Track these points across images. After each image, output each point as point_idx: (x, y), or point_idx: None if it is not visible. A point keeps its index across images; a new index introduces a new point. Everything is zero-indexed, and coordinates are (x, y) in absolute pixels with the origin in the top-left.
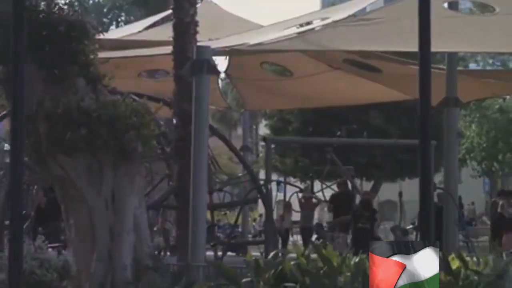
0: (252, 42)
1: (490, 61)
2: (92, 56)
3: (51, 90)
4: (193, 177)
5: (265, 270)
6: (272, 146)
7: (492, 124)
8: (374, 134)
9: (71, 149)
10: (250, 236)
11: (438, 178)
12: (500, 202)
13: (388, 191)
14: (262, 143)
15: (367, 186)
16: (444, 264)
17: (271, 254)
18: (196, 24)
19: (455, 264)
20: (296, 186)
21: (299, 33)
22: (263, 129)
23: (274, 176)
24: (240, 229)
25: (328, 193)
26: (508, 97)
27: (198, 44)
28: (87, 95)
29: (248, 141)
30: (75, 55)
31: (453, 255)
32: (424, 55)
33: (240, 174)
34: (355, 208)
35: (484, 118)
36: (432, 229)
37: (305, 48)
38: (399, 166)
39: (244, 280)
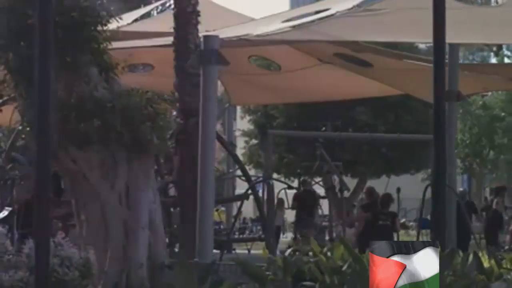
0: (255, 33)
1: (470, 57)
2: (105, 44)
3: (63, 79)
4: (201, 170)
5: (288, 269)
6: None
7: (475, 121)
8: (360, 130)
9: (83, 141)
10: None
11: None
12: (495, 200)
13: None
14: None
15: (351, 182)
16: (476, 263)
17: (288, 251)
18: (197, 14)
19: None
20: (284, 183)
21: (301, 24)
22: (247, 125)
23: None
24: (221, 226)
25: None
26: (490, 93)
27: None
28: (100, 84)
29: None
30: (88, 42)
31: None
32: (439, 47)
33: (231, 170)
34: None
35: (468, 115)
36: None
37: (315, 38)
38: (385, 162)
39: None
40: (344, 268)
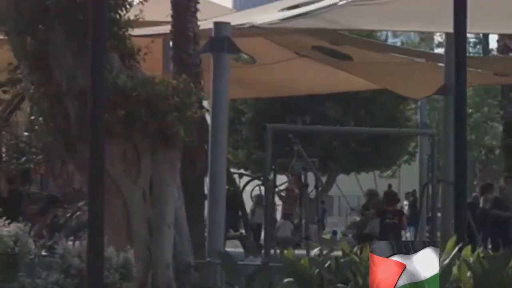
0: (259, 22)
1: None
2: (127, 28)
3: (83, 65)
4: (211, 165)
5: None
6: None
7: (441, 116)
8: (331, 125)
9: (106, 132)
10: None
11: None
12: (482, 198)
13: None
14: None
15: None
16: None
17: (314, 251)
18: (196, 1)
19: None
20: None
21: (310, 12)
22: None
23: None
24: None
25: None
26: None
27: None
28: (122, 72)
29: None
30: (110, 26)
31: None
32: (459, 35)
33: None
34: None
35: (434, 111)
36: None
37: (327, 27)
38: (356, 159)
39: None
40: None
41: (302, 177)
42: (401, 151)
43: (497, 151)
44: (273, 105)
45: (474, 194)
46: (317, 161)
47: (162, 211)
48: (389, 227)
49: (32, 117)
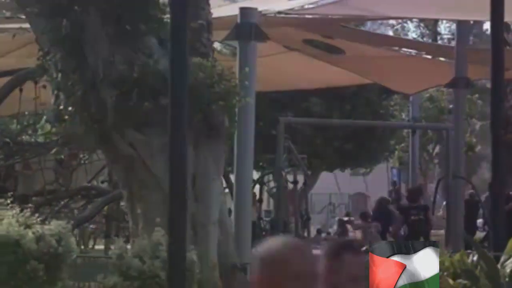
0: (278, 8)
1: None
2: (164, 12)
3: (120, 51)
4: (238, 163)
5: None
6: None
7: (423, 113)
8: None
9: (144, 123)
10: None
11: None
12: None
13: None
14: None
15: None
16: None
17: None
18: None
19: None
20: None
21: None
22: None
23: None
24: None
25: None
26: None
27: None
28: (162, 57)
29: None
30: (147, 9)
31: None
32: (497, 25)
33: None
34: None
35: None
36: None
37: (352, 13)
38: (338, 155)
39: None
40: None
41: (292, 174)
42: (385, 148)
43: (478, 148)
44: (256, 101)
45: (470, 191)
46: (306, 157)
47: (207, 207)
48: (415, 224)
49: (61, 107)
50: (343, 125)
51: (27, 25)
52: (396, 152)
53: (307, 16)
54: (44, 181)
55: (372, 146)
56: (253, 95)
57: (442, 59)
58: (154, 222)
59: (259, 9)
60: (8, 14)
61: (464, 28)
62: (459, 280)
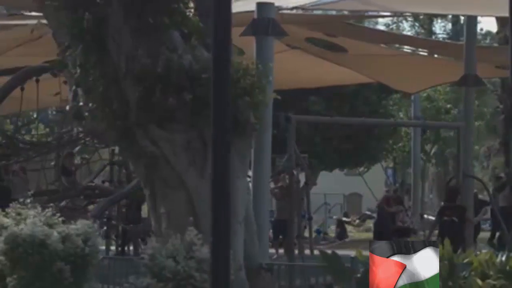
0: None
1: None
2: (187, 6)
3: (143, 45)
4: (255, 161)
5: None
6: None
7: (420, 113)
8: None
9: (167, 119)
10: None
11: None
12: None
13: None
14: None
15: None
16: None
17: None
18: None
19: None
20: None
21: None
22: None
23: None
24: None
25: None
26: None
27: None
28: (186, 52)
29: None
30: (170, 2)
31: None
32: None
33: None
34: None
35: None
36: None
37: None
38: (337, 155)
39: None
40: None
41: (295, 173)
42: (383, 148)
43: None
44: None
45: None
46: (307, 156)
47: (234, 206)
48: (447, 225)
49: (81, 103)
50: (353, 123)
51: (30, 22)
52: (394, 152)
53: (315, 12)
54: (46, 181)
55: (371, 146)
56: (271, 91)
57: (440, 57)
58: (177, 221)
59: (276, 4)
60: (4, 11)
61: (472, 25)
62: (488, 281)
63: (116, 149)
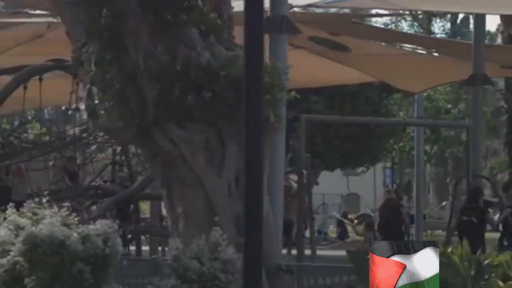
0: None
1: None
2: (205, 3)
3: (161, 42)
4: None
5: None
6: None
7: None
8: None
9: (185, 117)
10: None
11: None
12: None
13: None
14: None
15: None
16: None
17: None
18: None
19: None
20: None
21: None
22: None
23: None
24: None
25: None
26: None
27: None
28: (204, 49)
29: None
30: None
31: None
32: None
33: None
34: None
35: (413, 106)
36: None
37: (385, 7)
38: (338, 155)
39: None
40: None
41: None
42: (384, 147)
43: None
44: None
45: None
46: (309, 156)
47: None
48: (466, 225)
49: (96, 101)
50: (362, 122)
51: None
52: (394, 152)
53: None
54: (49, 181)
55: (373, 146)
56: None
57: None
58: (195, 221)
59: (289, 1)
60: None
61: (481, 24)
62: (510, 282)
63: (118, 149)
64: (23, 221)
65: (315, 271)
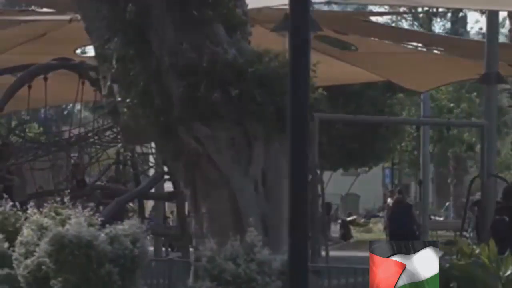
0: None
1: None
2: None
3: (186, 38)
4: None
5: None
6: None
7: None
8: None
9: (211, 115)
10: None
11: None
12: None
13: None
14: None
15: None
16: None
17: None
18: None
19: None
20: None
21: None
22: None
23: None
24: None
25: None
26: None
27: None
28: (230, 46)
29: None
30: None
31: None
32: None
33: None
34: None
35: (416, 106)
36: None
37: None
38: (342, 154)
39: None
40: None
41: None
42: (388, 147)
43: (477, 147)
44: None
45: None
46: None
47: (279, 207)
48: (497, 224)
49: (119, 98)
50: (375, 121)
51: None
52: (396, 152)
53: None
54: (53, 181)
55: (377, 145)
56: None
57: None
58: (220, 221)
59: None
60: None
61: (494, 22)
62: None
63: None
64: (46, 221)
65: (338, 272)
